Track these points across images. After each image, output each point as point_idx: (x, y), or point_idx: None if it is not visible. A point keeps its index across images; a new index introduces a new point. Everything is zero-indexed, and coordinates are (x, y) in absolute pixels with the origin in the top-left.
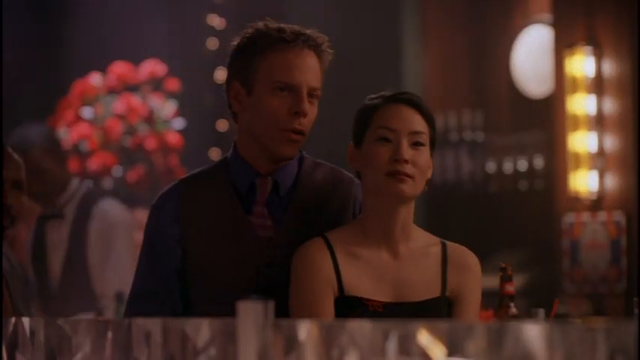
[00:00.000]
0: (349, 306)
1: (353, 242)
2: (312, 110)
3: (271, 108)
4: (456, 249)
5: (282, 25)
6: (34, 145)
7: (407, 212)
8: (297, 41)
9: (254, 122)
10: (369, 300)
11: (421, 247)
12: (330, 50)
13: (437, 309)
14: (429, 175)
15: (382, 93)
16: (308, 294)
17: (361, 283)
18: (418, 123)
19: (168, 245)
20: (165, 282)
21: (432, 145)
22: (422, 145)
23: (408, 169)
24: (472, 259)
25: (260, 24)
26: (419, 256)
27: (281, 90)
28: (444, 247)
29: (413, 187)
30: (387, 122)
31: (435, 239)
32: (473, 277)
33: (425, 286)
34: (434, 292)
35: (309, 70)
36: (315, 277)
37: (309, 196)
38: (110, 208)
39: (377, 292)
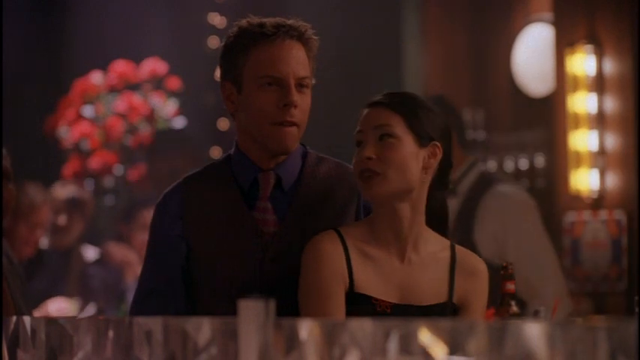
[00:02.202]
0: (357, 303)
1: (364, 240)
2: (304, 100)
3: (260, 104)
4: (465, 254)
5: (264, 20)
6: None
7: (412, 212)
8: (278, 33)
9: (248, 120)
10: (377, 300)
11: (431, 250)
12: (315, 37)
13: (443, 314)
14: (430, 164)
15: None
16: (319, 285)
17: (371, 281)
18: (380, 117)
19: (172, 243)
20: (170, 280)
21: (420, 135)
22: (390, 137)
23: (373, 165)
24: (481, 266)
25: (243, 22)
26: (428, 261)
27: (269, 85)
28: (453, 251)
29: (383, 185)
30: (358, 127)
31: (445, 242)
32: (480, 283)
33: (432, 291)
34: (441, 296)
35: (295, 61)
36: (327, 269)
37: (313, 191)
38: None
39: (385, 293)
